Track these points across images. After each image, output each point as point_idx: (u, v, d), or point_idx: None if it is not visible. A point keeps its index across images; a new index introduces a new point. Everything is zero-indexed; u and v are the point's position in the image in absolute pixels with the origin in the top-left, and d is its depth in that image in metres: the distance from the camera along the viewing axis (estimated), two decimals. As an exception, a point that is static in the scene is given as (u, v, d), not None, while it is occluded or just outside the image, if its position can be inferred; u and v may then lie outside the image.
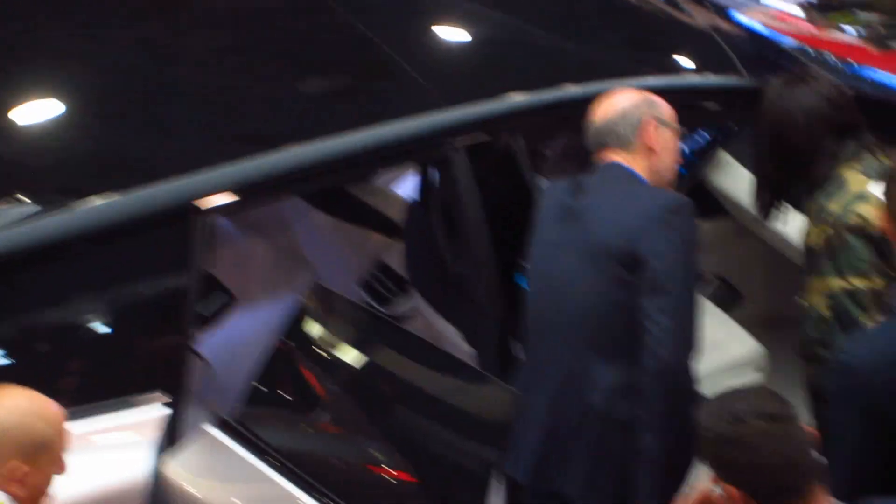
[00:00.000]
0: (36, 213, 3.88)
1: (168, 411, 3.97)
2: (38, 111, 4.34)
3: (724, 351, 5.01)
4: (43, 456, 3.31)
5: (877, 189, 3.87)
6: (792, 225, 4.70)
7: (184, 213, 4.06)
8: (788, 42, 5.36)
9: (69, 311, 3.96)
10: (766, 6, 5.84)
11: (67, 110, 4.36)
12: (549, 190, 4.26)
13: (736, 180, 5.39)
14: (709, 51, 5.17)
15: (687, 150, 5.33)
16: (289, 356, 4.27)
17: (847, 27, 5.79)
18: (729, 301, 5.62)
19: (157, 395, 3.97)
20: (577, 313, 4.00)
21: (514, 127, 4.58)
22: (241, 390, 4.22)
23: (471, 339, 4.74)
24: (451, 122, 4.50)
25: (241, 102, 4.57)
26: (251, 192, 4.25)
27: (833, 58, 5.24)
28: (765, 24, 5.48)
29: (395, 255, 5.40)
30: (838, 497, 3.25)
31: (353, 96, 4.77)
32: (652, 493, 3.89)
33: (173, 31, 4.87)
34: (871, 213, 3.97)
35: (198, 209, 4.07)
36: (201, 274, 4.16)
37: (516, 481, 4.17)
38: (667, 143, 4.15)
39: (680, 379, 3.89)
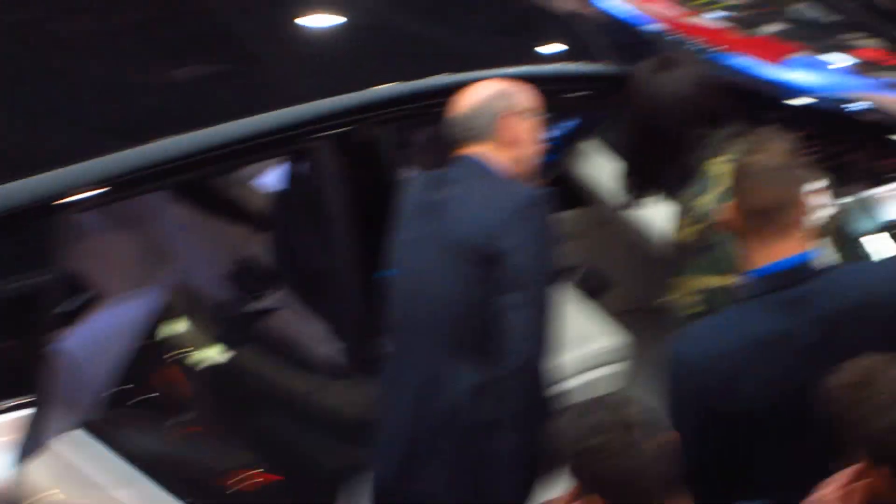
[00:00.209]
0: None
1: (29, 413, 3.92)
2: None
3: (590, 343, 5.01)
4: None
5: None
6: (659, 215, 4.68)
7: (43, 210, 4.00)
8: (653, 27, 5.31)
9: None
10: None
11: None
12: (409, 184, 4.23)
13: (603, 168, 5.42)
14: (572, 37, 5.14)
15: (552, 138, 5.35)
16: (153, 355, 4.25)
17: (713, 11, 5.76)
18: (597, 289, 5.65)
19: (18, 397, 3.92)
20: (436, 312, 3.98)
21: (378, 118, 4.53)
22: (105, 390, 4.18)
23: (337, 334, 4.71)
24: (314, 114, 4.45)
25: (100, 94, 4.50)
26: (113, 186, 4.18)
27: (699, 43, 5.23)
28: (629, 9, 5.45)
29: (260, 250, 5.37)
30: (699, 499, 3.26)
31: (215, 88, 4.70)
32: (513, 493, 3.89)
33: (31, 16, 4.79)
34: None
35: (58, 206, 4.01)
36: (63, 272, 4.11)
37: (382, 481, 4.15)
38: (526, 134, 4.11)
39: (538, 377, 3.88)
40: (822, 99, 5.01)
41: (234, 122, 4.35)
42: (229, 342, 4.37)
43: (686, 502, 3.22)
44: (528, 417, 3.86)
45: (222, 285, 5.40)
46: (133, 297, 5.31)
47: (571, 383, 4.75)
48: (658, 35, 5.26)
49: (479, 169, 4.05)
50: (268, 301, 5.29)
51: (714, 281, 4.01)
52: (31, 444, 3.92)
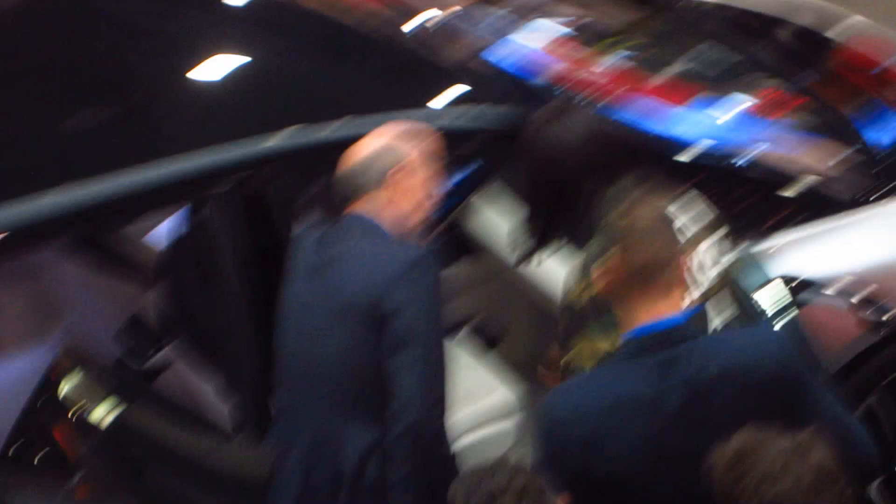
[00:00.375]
0: None
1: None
2: None
3: (482, 399, 4.96)
4: None
5: None
6: (551, 270, 4.64)
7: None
8: (547, 76, 5.30)
9: None
10: (524, 41, 5.80)
11: None
12: (298, 241, 4.19)
13: (494, 221, 5.43)
14: (464, 87, 5.16)
15: (442, 190, 5.34)
16: (44, 412, 4.19)
17: (614, 53, 5.75)
18: (491, 341, 5.65)
19: None
20: (326, 372, 3.94)
21: (269, 171, 4.49)
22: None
23: (229, 391, 4.69)
24: (205, 169, 4.40)
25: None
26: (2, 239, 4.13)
27: (593, 93, 5.21)
28: (523, 58, 5.45)
29: (151, 305, 5.33)
30: None
31: (106, 139, 4.63)
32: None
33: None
34: None
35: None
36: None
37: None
38: (414, 188, 4.08)
39: (429, 439, 3.84)
40: (713, 151, 5.04)
41: (123, 174, 4.29)
42: (122, 398, 4.31)
43: None
44: (421, 479, 3.82)
45: (115, 340, 5.35)
46: (24, 353, 5.26)
47: (467, 440, 4.75)
48: (551, 85, 5.27)
49: (368, 226, 4.02)
50: (161, 357, 5.25)
51: (605, 346, 3.92)
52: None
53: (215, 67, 5.03)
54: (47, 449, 4.19)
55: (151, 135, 4.63)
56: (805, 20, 6.13)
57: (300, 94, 4.93)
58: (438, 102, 5.11)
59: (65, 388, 4.23)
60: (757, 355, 3.40)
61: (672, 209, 4.02)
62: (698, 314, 3.90)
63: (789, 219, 4.90)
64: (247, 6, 5.66)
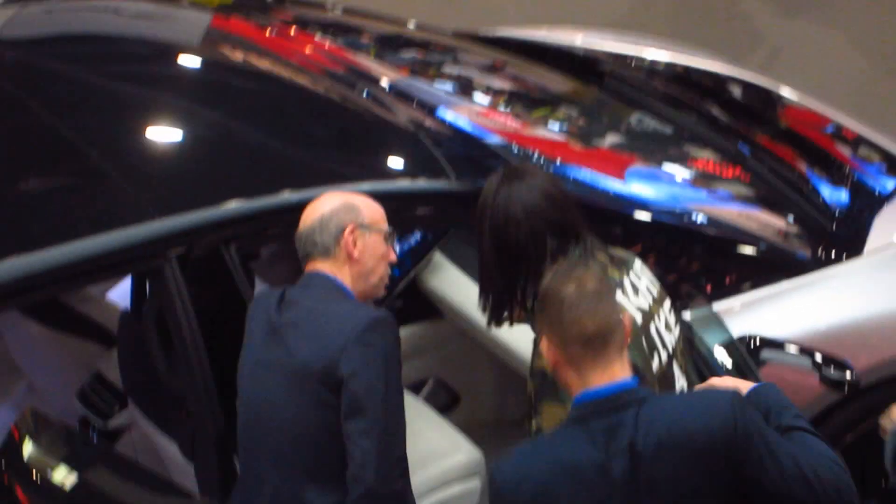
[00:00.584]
0: None
1: None
2: None
3: (442, 460, 4.93)
4: None
5: None
6: (513, 333, 4.57)
7: None
8: (497, 140, 5.32)
9: None
10: (473, 103, 5.82)
11: None
12: (256, 303, 4.15)
13: (450, 282, 5.44)
14: (416, 152, 5.11)
15: (399, 251, 5.33)
16: (5, 476, 4.15)
17: (550, 123, 5.77)
18: (445, 404, 5.64)
19: None
20: (284, 436, 3.91)
21: (229, 235, 4.46)
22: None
23: (189, 453, 4.65)
24: (162, 232, 4.36)
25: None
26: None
27: (542, 155, 5.26)
28: (471, 122, 5.46)
29: (111, 366, 5.30)
30: None
31: (59, 205, 4.57)
32: None
33: None
34: None
35: None
36: None
37: None
38: (370, 249, 4.06)
39: (389, 500, 3.81)
40: (662, 212, 5.06)
41: (76, 240, 4.25)
42: (85, 458, 4.28)
43: None
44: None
45: (78, 399, 5.32)
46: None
47: (430, 500, 4.74)
48: (503, 148, 5.29)
49: (324, 288, 4.00)
50: (125, 415, 5.23)
51: (563, 413, 3.82)
52: None
53: (169, 133, 5.02)
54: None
55: (106, 200, 4.58)
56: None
57: (253, 159, 4.91)
58: (393, 165, 5.13)
59: (27, 447, 4.18)
60: (704, 419, 3.39)
61: (637, 267, 4.07)
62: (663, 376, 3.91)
63: (748, 279, 4.93)
64: (201, 68, 5.67)
